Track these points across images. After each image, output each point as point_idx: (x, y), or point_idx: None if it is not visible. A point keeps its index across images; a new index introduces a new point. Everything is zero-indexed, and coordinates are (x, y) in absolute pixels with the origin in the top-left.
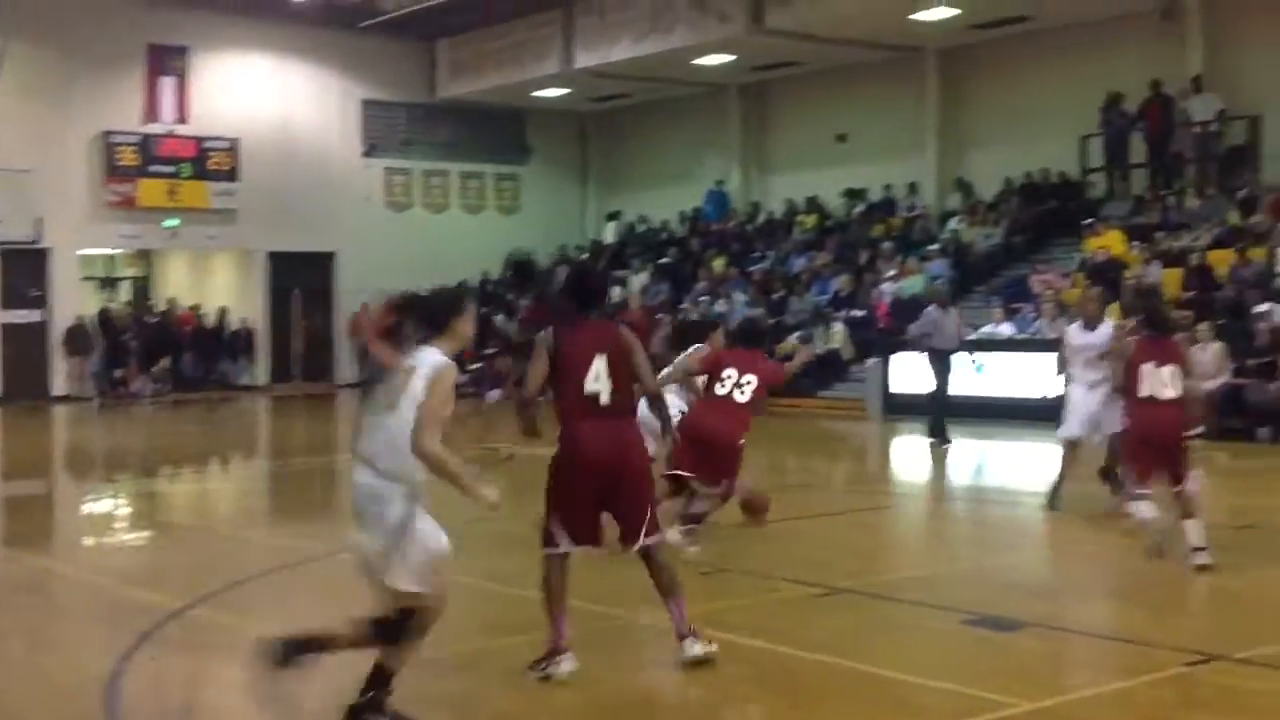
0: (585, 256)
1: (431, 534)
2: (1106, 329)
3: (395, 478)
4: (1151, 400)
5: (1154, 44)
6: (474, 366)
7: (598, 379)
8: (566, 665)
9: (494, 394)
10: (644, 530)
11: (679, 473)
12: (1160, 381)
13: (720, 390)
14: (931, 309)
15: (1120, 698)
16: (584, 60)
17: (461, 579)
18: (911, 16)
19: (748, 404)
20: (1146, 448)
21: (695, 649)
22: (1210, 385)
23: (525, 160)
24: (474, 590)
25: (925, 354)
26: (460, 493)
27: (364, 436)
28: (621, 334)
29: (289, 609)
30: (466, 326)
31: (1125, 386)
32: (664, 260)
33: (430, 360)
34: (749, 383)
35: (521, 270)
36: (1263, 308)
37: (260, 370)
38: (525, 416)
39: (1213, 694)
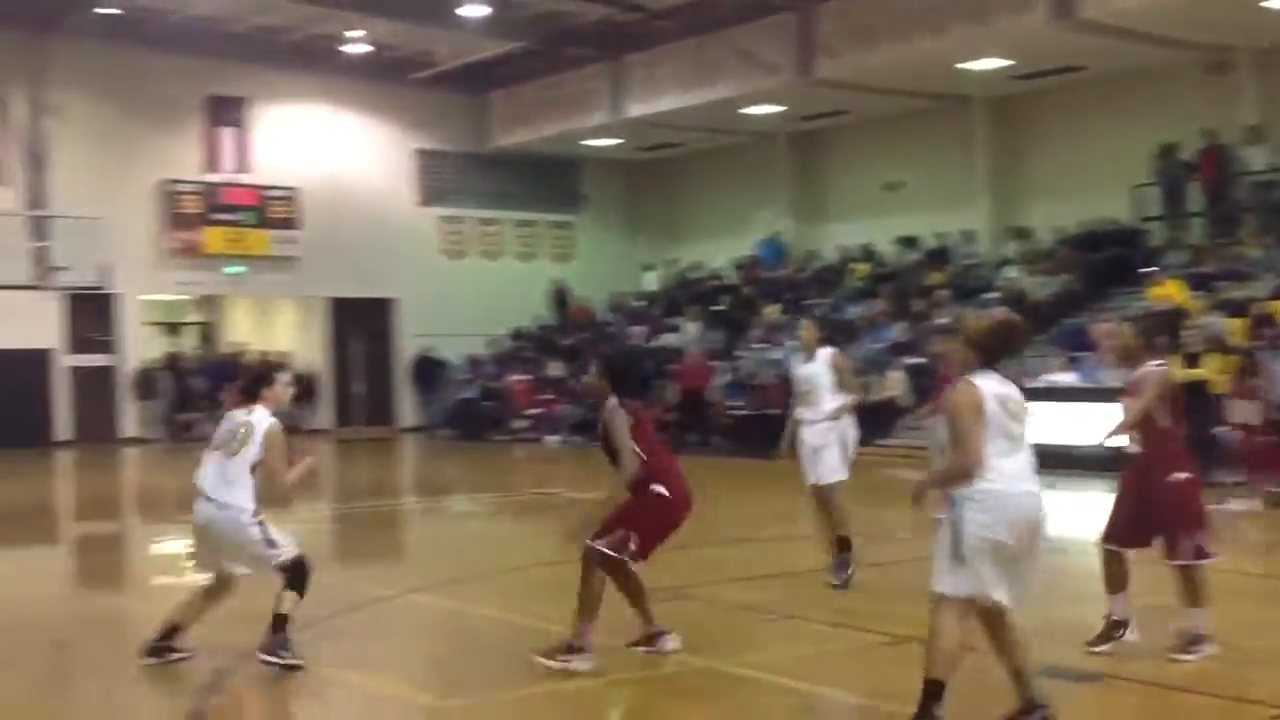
0: (640, 304)
1: None
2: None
3: None
4: None
5: (1205, 94)
6: (531, 412)
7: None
8: (586, 664)
9: (552, 439)
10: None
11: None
12: None
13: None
14: None
15: None
16: (633, 110)
17: (524, 622)
18: (959, 66)
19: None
20: None
21: (671, 644)
22: None
23: (579, 208)
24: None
25: None
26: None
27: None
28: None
29: (357, 651)
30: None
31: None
32: (717, 308)
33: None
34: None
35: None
36: None
37: (324, 414)
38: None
39: None
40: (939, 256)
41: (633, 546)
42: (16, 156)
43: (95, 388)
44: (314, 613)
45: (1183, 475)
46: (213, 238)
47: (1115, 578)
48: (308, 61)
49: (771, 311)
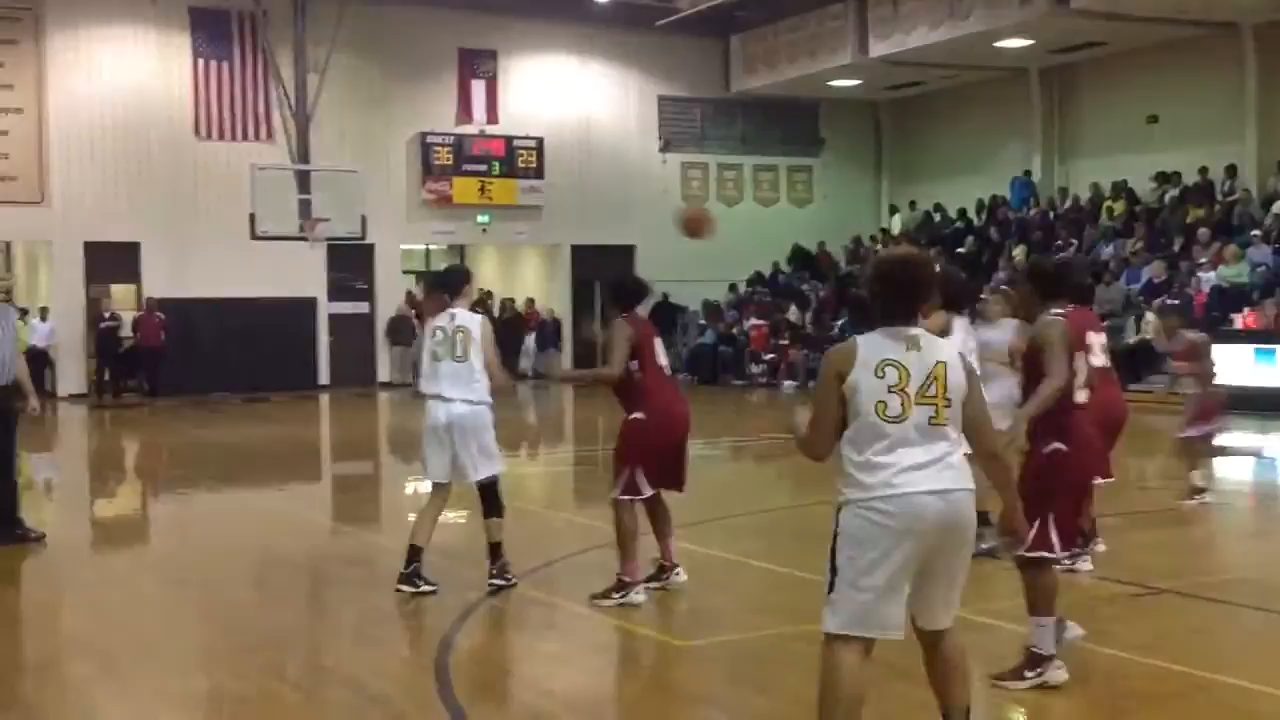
0: (879, 248)
1: None
2: None
3: None
4: None
5: None
6: (768, 357)
7: (663, 355)
8: (640, 596)
9: (789, 385)
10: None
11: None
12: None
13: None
14: None
15: None
16: (878, 49)
17: (763, 565)
18: None
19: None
20: None
21: (682, 575)
22: None
23: (818, 152)
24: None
25: None
26: None
27: None
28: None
29: (599, 588)
30: None
31: None
32: (961, 250)
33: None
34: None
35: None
36: None
37: (565, 359)
38: None
39: None
40: (1200, 192)
41: (640, 480)
42: (284, 112)
43: (352, 334)
44: (562, 550)
45: None
46: (462, 188)
47: None
48: (554, 12)
49: (1018, 253)
